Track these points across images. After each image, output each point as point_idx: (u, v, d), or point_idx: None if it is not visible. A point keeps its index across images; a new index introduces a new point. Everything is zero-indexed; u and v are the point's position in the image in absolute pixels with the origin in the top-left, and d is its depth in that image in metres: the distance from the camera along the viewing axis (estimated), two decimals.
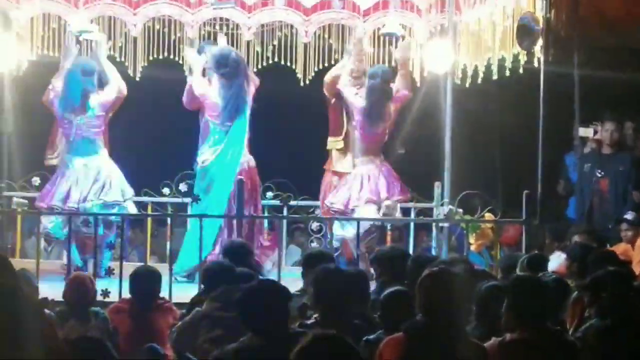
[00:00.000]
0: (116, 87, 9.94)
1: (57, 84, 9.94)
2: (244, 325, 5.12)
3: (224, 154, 9.77)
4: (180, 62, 10.93)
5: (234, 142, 9.78)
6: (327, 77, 10.48)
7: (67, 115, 9.71)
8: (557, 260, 9.03)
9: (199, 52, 10.39)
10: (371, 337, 5.65)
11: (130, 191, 9.92)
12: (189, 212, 10.10)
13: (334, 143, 10.57)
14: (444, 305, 5.01)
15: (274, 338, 4.90)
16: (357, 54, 10.35)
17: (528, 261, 7.27)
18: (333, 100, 10.43)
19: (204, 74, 10.09)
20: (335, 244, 9.70)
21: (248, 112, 9.82)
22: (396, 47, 10.61)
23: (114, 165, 9.94)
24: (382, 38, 10.84)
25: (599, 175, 10.84)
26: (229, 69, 9.76)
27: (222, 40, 10.33)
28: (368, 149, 10.07)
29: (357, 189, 9.93)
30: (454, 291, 5.07)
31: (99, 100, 9.80)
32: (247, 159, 9.89)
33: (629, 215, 9.98)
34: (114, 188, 9.74)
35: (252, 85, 10.01)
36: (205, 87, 9.91)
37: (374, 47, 10.91)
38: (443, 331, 4.95)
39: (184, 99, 10.25)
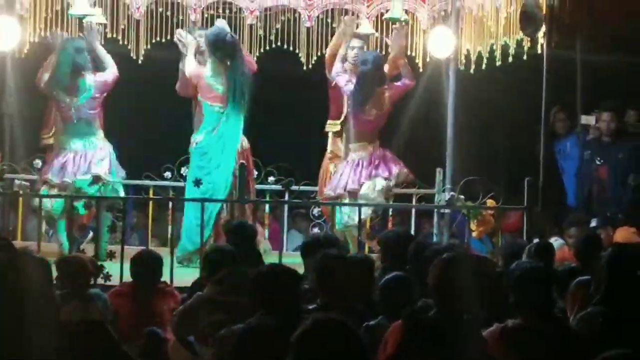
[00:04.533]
0: (114, 70, 9.89)
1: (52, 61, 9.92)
2: (258, 304, 5.11)
3: (221, 135, 9.68)
4: None
5: (231, 124, 9.70)
6: (328, 58, 10.46)
7: (60, 96, 9.64)
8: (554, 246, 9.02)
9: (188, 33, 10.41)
10: (371, 322, 5.66)
11: (121, 172, 9.87)
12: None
13: (331, 126, 10.57)
14: (448, 293, 5.00)
15: (286, 318, 4.89)
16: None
17: (535, 249, 7.25)
18: (334, 83, 10.39)
19: (196, 57, 10.04)
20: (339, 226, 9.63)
21: (247, 95, 9.75)
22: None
23: (109, 146, 9.90)
24: (385, 23, 10.79)
25: (598, 163, 10.82)
26: (225, 52, 9.70)
27: (220, 23, 10.24)
28: (360, 135, 10.01)
29: (346, 176, 9.84)
30: (456, 279, 5.06)
31: (96, 80, 9.75)
32: (241, 139, 9.84)
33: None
34: (104, 164, 9.68)
35: (250, 68, 9.95)
36: (197, 68, 9.86)
37: (379, 32, 10.86)
38: (442, 319, 4.94)
39: (178, 85, 10.24)
